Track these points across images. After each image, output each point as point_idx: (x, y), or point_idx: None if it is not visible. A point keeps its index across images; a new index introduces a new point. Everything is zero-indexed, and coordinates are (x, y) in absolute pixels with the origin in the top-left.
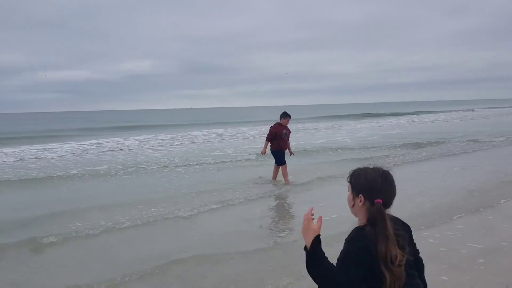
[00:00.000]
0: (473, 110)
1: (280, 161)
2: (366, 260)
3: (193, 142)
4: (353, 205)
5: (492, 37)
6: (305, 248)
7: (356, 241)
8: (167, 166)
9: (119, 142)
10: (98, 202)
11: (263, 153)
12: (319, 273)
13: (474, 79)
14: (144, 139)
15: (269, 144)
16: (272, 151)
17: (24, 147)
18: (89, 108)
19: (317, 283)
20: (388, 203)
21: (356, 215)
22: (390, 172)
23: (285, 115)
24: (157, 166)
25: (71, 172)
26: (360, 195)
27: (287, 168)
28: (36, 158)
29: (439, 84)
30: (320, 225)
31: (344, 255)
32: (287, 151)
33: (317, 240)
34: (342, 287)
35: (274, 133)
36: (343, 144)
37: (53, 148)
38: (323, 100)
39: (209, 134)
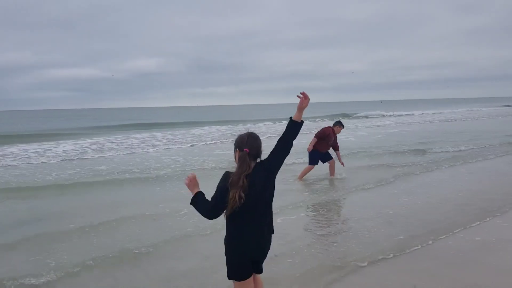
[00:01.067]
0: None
1: (314, 161)
2: (225, 188)
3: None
4: (235, 158)
5: (505, 34)
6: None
7: (221, 181)
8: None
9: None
10: None
11: (309, 150)
12: (202, 207)
13: (486, 77)
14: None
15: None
16: (313, 150)
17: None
18: (97, 105)
19: (203, 216)
20: (254, 152)
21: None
22: (256, 133)
23: (340, 124)
24: None
25: None
26: (237, 148)
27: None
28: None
29: (450, 82)
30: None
31: (216, 190)
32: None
33: (199, 192)
34: (215, 209)
35: (325, 135)
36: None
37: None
38: (332, 98)
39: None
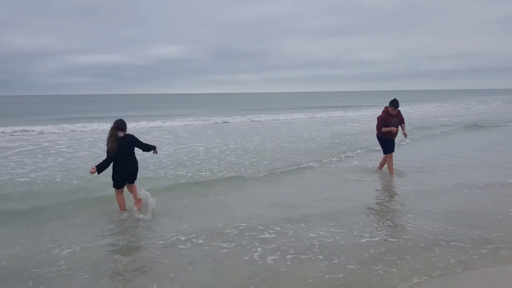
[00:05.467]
0: None
1: (385, 149)
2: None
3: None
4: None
5: None
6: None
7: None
8: None
9: None
10: None
11: (402, 133)
12: (103, 164)
13: None
14: None
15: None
16: (379, 138)
17: None
18: (122, 91)
19: (107, 165)
20: (121, 127)
21: None
22: (123, 119)
23: (390, 104)
24: None
25: None
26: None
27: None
28: None
29: (477, 72)
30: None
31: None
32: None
33: (97, 166)
34: (108, 158)
35: (382, 123)
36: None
37: None
38: (355, 87)
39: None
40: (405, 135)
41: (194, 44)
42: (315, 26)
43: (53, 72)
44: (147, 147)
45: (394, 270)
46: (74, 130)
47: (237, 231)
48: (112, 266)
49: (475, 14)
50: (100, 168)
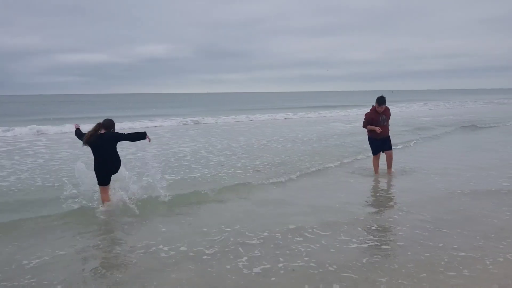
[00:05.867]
0: None
1: (373, 150)
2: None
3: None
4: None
5: None
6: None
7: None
8: None
9: None
10: None
11: (379, 131)
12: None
13: (502, 67)
14: None
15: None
16: (368, 138)
17: None
18: (108, 91)
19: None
20: (106, 126)
21: None
22: (113, 120)
23: (376, 101)
24: None
25: None
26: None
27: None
28: None
29: (462, 72)
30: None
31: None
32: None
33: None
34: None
35: (369, 121)
36: None
37: None
38: (343, 86)
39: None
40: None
41: (181, 43)
42: (302, 26)
43: (38, 71)
44: (133, 137)
45: (385, 278)
46: (42, 133)
47: (222, 237)
48: (87, 274)
49: (460, 14)
50: (77, 132)
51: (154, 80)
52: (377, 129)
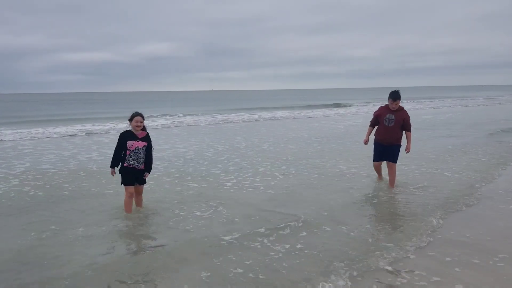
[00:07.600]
0: None
1: (374, 155)
2: (123, 141)
3: None
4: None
5: None
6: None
7: (120, 139)
8: None
9: None
10: None
11: (365, 142)
12: (113, 158)
13: (502, 63)
14: None
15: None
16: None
17: None
18: (110, 89)
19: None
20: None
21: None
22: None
23: (389, 95)
24: None
25: None
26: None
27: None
28: None
29: (464, 68)
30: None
31: (117, 145)
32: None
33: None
34: (116, 152)
35: (374, 118)
36: None
37: None
38: (344, 84)
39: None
40: (407, 149)
41: (182, 42)
42: (302, 23)
43: (40, 70)
44: (149, 161)
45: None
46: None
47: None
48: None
49: (461, 11)
50: (112, 160)
51: (156, 78)
52: (364, 139)
